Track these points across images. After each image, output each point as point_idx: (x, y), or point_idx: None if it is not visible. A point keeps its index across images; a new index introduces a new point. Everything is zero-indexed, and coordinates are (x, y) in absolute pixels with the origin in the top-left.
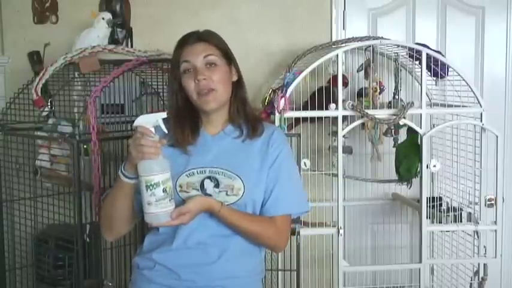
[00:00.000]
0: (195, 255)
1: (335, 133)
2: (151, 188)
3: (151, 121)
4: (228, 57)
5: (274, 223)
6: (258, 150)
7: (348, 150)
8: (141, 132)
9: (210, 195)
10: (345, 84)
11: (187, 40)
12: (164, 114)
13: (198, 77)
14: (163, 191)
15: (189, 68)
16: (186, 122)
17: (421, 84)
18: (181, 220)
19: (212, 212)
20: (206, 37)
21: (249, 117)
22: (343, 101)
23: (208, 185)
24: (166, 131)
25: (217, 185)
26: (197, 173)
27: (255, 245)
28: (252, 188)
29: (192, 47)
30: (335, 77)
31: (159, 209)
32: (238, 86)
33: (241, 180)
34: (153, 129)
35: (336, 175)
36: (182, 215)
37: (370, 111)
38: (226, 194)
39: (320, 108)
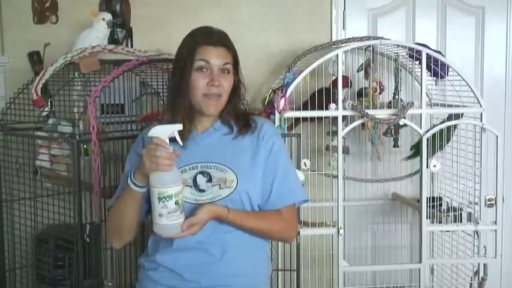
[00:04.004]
0: (196, 255)
1: (334, 133)
2: (163, 200)
3: (166, 132)
4: (236, 64)
5: (282, 215)
6: (248, 143)
7: (345, 151)
8: (156, 143)
9: (203, 190)
10: (347, 84)
11: (211, 39)
12: (180, 126)
13: (214, 82)
14: (175, 204)
15: (206, 67)
16: (186, 115)
17: (421, 84)
18: (192, 231)
19: (221, 219)
20: (227, 43)
21: (239, 116)
22: (343, 101)
23: (201, 180)
24: (181, 143)
25: (209, 180)
26: (189, 169)
27: (258, 240)
28: (245, 180)
29: (216, 49)
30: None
31: (170, 221)
32: (235, 90)
33: (234, 172)
34: (167, 141)
35: (336, 176)
36: (192, 226)
37: (370, 111)
38: (220, 188)
39: (320, 108)
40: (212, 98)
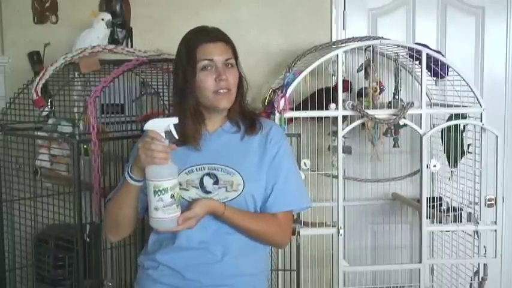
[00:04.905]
0: (198, 255)
1: (335, 133)
2: (159, 193)
3: (162, 126)
4: (237, 58)
5: (277, 220)
6: (256, 146)
7: (347, 150)
8: (151, 136)
9: (209, 192)
10: (348, 89)
11: (209, 37)
12: (176, 120)
13: (222, 77)
14: (171, 197)
15: (210, 65)
16: (196, 117)
17: (421, 84)
18: (188, 225)
19: (216, 214)
20: (225, 38)
21: (246, 114)
22: (343, 101)
23: (208, 182)
24: (177, 137)
25: (216, 182)
26: (196, 170)
27: (258, 242)
28: (251, 183)
29: (216, 45)
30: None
31: (166, 214)
32: (238, 85)
33: (241, 176)
34: (163, 134)
35: (336, 176)
36: (188, 219)
37: (370, 111)
38: (226, 190)
39: (320, 108)
40: (221, 93)
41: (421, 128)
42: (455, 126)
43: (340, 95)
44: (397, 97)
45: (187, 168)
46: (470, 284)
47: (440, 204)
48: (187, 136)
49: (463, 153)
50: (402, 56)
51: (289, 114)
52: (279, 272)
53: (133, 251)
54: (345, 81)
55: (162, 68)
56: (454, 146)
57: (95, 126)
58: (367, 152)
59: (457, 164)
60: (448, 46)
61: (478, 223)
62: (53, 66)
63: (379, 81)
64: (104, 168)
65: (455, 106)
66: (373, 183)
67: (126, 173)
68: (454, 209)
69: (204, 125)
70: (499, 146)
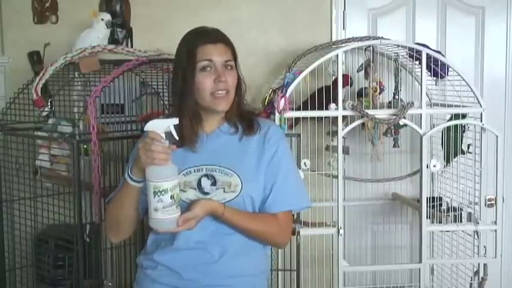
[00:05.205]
0: (196, 255)
1: (334, 133)
2: (159, 194)
3: (162, 126)
4: (236, 60)
5: (277, 220)
6: (254, 146)
7: (345, 151)
8: (152, 137)
9: (207, 193)
10: (348, 83)
11: (208, 38)
12: (176, 120)
13: (221, 78)
14: (171, 198)
15: (209, 66)
16: (194, 118)
17: (421, 84)
18: (188, 226)
19: (216, 215)
20: (225, 39)
21: (244, 115)
22: (343, 101)
23: (206, 183)
24: (177, 137)
25: (214, 183)
26: (194, 171)
27: (258, 243)
28: (249, 184)
29: (215, 46)
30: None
31: (165, 215)
32: (237, 86)
33: (238, 177)
34: (163, 135)
35: (336, 176)
36: (188, 220)
37: (370, 111)
38: (224, 191)
39: (320, 108)
40: (219, 97)
41: (421, 128)
42: (456, 126)
43: (341, 92)
44: (397, 97)
45: (185, 169)
46: (470, 284)
47: (440, 204)
48: (184, 137)
49: (462, 152)
50: (402, 56)
51: (289, 114)
52: (279, 272)
53: (133, 251)
54: (345, 76)
55: (162, 68)
56: (453, 145)
57: (95, 126)
58: (367, 152)
59: (451, 163)
60: (448, 46)
61: (478, 223)
62: (53, 66)
63: (379, 81)
64: (104, 168)
65: (456, 106)
66: (373, 183)
67: (126, 174)
68: (454, 209)
69: (201, 126)
70: (499, 146)
